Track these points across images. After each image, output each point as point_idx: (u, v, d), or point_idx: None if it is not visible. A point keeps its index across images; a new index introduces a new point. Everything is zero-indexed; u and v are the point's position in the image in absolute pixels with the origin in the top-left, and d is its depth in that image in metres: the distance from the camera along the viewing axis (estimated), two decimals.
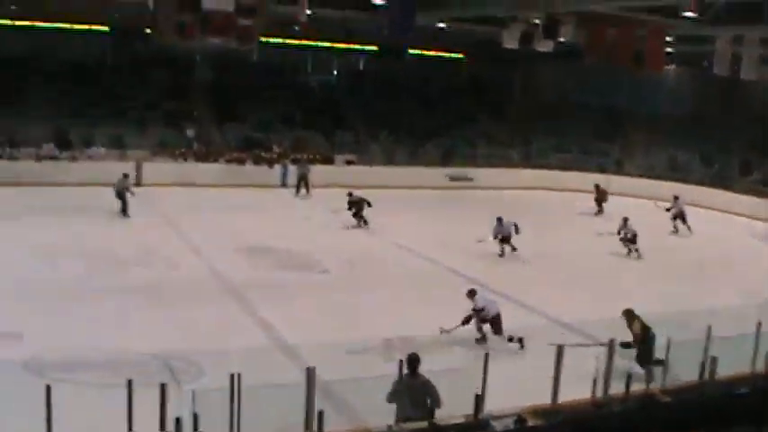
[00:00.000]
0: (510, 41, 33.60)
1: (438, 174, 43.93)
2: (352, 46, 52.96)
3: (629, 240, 27.64)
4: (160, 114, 43.90)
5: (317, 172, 40.30)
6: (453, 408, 10.26)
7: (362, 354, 15.19)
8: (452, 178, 44.11)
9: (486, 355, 11.03)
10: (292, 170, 39.96)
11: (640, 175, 44.31)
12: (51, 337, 16.04)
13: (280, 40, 46.65)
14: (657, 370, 12.59)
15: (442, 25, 42.48)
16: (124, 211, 30.36)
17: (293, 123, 46.28)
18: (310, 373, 9.99)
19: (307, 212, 32.39)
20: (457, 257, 25.76)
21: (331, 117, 47.37)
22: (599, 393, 10.52)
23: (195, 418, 9.03)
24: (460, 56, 56.92)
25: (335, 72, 55.80)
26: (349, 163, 44.10)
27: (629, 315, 15.64)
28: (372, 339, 16.08)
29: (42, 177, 34.23)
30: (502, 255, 26.33)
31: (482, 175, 44.67)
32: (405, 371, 11.07)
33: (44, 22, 45.28)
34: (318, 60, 54.37)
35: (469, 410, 9.81)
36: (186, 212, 31.67)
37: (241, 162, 41.50)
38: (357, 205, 29.81)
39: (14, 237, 25.79)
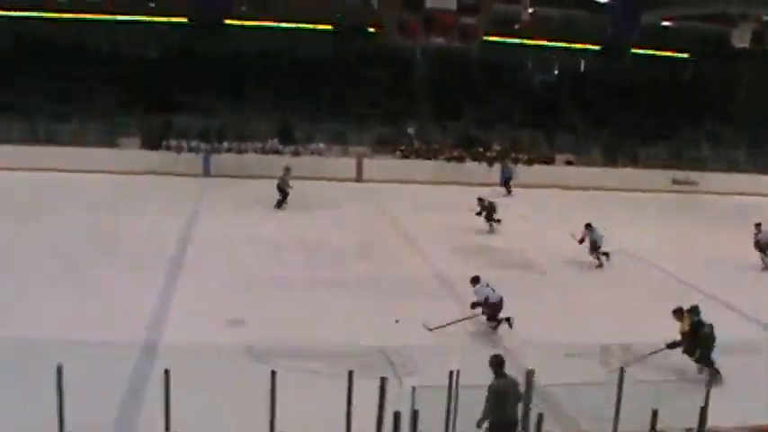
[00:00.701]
0: (740, 41, 32.16)
1: (660, 176, 42.68)
2: (573, 45, 52.20)
3: None
4: (380, 111, 44.58)
5: (537, 172, 40.05)
6: (674, 419, 9.97)
7: (579, 358, 14.92)
8: (676, 181, 42.74)
9: (713, 368, 10.65)
10: (511, 169, 39.49)
11: None
12: (273, 326, 16.55)
13: (500, 39, 46.49)
14: None
15: (666, 23, 41.38)
16: (280, 203, 30.81)
17: (513, 122, 46.06)
18: (529, 376, 9.90)
19: (523, 212, 32.10)
20: (675, 262, 24.93)
21: (551, 117, 46.88)
22: None
23: (415, 414, 9.08)
24: (685, 55, 55.15)
25: (556, 71, 55.14)
26: (568, 163, 43.50)
27: (678, 314, 15.25)
28: (589, 344, 15.77)
29: (267, 171, 35.19)
30: (600, 266, 24.46)
31: (707, 178, 43.01)
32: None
33: (271, 21, 46.84)
34: (539, 59, 53.87)
35: (691, 423, 9.50)
36: (405, 209, 32.05)
37: (461, 160, 41.56)
38: (488, 209, 29.03)
39: (240, 228, 26.87)
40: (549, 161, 43.09)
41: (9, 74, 41.36)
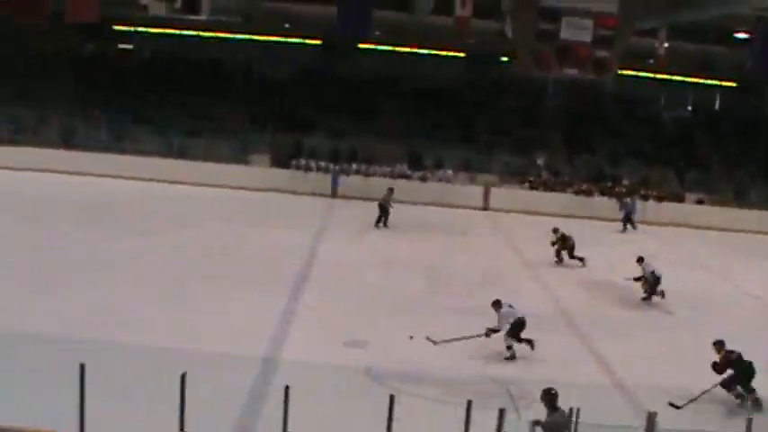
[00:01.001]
0: None
1: None
2: (708, 81, 51.13)
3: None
4: (510, 140, 44.45)
5: (666, 209, 39.42)
6: None
7: (703, 403, 14.55)
8: None
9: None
10: (629, 204, 38.25)
11: None
12: (392, 348, 16.65)
13: (634, 73, 45.86)
14: None
15: None
16: (380, 222, 31.65)
17: (644, 157, 45.31)
18: (651, 418, 9.72)
19: (650, 249, 31.51)
20: None
21: (683, 153, 45.99)
22: None
23: None
24: None
25: (690, 107, 54.08)
26: (699, 202, 42.52)
27: (717, 345, 15.68)
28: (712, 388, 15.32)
29: (394, 195, 35.38)
30: (647, 298, 23.54)
31: None
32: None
33: (403, 47, 47.25)
34: (673, 94, 52.93)
35: None
36: (530, 239, 31.61)
37: (589, 194, 41.00)
38: (562, 242, 28.05)
39: (365, 249, 27.19)
40: (679, 199, 42.21)
41: (148, 88, 42.70)
